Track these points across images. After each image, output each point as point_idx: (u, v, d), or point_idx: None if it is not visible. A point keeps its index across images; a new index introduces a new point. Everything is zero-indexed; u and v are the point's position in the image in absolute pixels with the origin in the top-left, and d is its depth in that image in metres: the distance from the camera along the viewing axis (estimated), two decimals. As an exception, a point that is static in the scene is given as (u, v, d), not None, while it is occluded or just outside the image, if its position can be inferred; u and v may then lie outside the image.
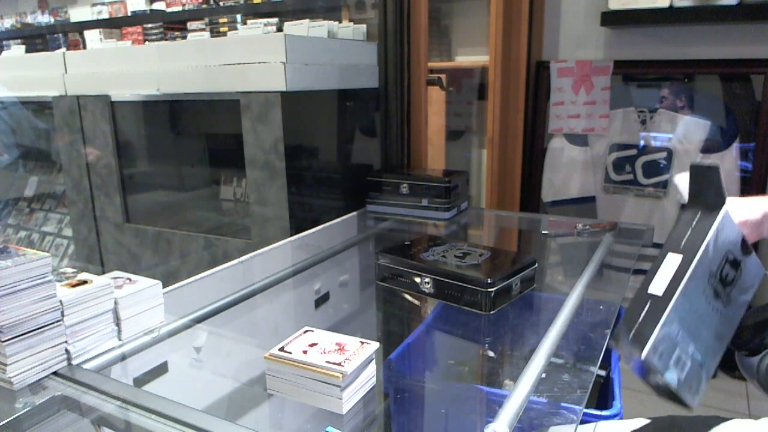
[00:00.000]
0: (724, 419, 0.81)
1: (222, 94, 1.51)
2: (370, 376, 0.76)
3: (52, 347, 0.76)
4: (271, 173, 1.45)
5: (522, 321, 1.03)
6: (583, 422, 0.94)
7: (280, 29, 2.08)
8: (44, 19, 4.02)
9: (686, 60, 1.97)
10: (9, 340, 0.71)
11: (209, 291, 1.07)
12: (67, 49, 3.49)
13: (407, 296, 1.11)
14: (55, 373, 0.77)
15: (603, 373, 1.18)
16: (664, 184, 2.03)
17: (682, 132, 1.98)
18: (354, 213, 1.63)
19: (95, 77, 1.77)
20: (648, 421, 0.85)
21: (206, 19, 3.22)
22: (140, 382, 0.85)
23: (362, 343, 0.77)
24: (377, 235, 1.58)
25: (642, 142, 2.05)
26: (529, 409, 0.70)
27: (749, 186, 1.92)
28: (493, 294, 0.97)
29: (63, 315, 0.77)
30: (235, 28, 3.05)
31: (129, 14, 3.59)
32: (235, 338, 1.07)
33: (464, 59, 2.64)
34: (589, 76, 2.07)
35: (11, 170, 2.40)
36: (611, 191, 2.12)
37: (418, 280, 1.06)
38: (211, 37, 2.12)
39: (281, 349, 0.76)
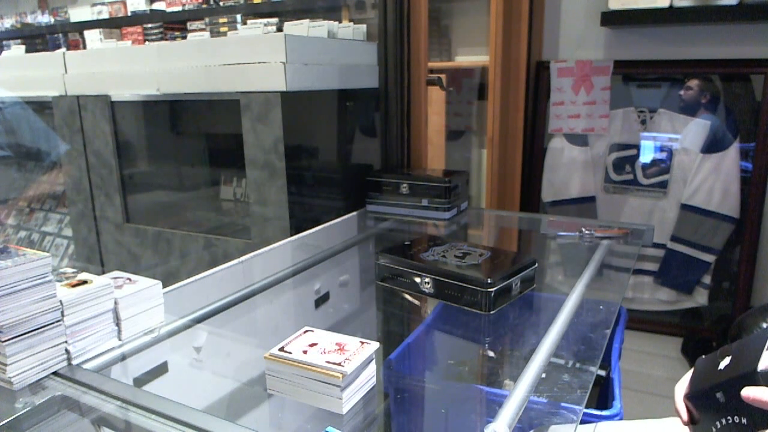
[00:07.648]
0: None
1: (222, 94, 1.50)
2: (370, 376, 0.76)
3: (52, 347, 0.76)
4: (271, 173, 1.45)
5: (522, 321, 1.03)
6: (583, 422, 0.94)
7: (280, 29, 2.08)
8: (44, 19, 4.02)
9: (686, 60, 1.97)
10: (9, 340, 0.71)
11: (209, 291, 1.06)
12: (67, 49, 3.49)
13: (407, 296, 1.11)
14: (55, 373, 0.77)
15: (603, 373, 1.18)
16: (664, 184, 2.03)
17: (682, 132, 1.99)
18: (354, 213, 1.63)
19: (95, 77, 1.77)
20: None
21: (206, 19, 3.21)
22: (140, 382, 0.85)
23: (362, 343, 0.77)
24: (377, 235, 1.58)
25: (642, 142, 2.05)
26: (529, 409, 0.70)
27: (749, 186, 1.92)
28: (493, 294, 0.97)
29: (63, 315, 0.77)
30: (235, 28, 3.05)
31: (129, 14, 3.58)
32: (235, 338, 1.06)
33: (464, 59, 2.64)
34: (589, 76, 2.07)
35: (13, 169, 2.40)
36: (611, 191, 2.12)
37: (418, 280, 1.06)
38: (211, 37, 2.12)
39: (281, 349, 0.76)
